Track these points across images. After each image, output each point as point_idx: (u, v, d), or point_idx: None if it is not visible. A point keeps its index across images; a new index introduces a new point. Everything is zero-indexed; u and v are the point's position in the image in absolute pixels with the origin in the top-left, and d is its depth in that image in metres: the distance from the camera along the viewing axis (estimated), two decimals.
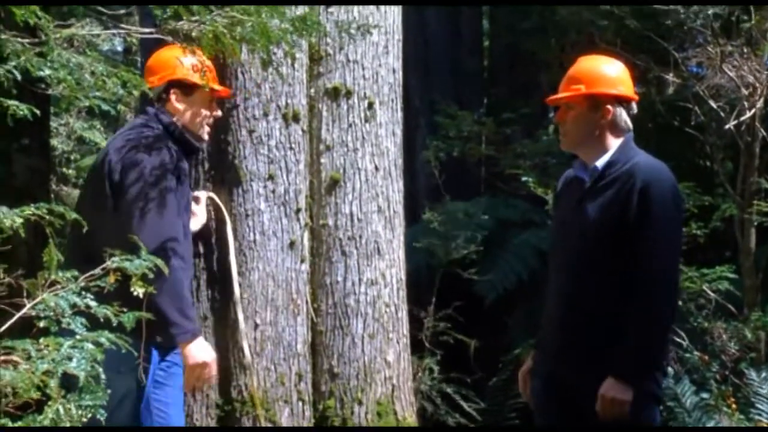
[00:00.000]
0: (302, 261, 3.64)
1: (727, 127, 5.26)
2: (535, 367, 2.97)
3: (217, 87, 3.22)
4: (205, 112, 3.18)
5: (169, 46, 2.98)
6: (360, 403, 3.65)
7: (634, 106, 2.90)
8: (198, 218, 3.39)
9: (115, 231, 2.75)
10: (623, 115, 2.87)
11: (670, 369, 4.36)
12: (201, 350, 2.92)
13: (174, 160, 2.97)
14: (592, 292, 2.75)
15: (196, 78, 3.07)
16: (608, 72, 2.88)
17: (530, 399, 3.02)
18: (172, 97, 3.12)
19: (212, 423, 3.47)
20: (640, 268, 2.65)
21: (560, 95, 2.90)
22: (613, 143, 2.84)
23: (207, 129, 3.24)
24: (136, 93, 2.64)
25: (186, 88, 3.12)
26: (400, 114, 3.98)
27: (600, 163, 2.83)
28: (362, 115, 3.79)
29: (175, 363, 2.96)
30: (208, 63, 3.02)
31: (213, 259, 3.52)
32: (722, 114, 5.39)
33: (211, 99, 3.22)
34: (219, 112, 3.28)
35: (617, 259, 2.72)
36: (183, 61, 3.06)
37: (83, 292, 2.06)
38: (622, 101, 2.86)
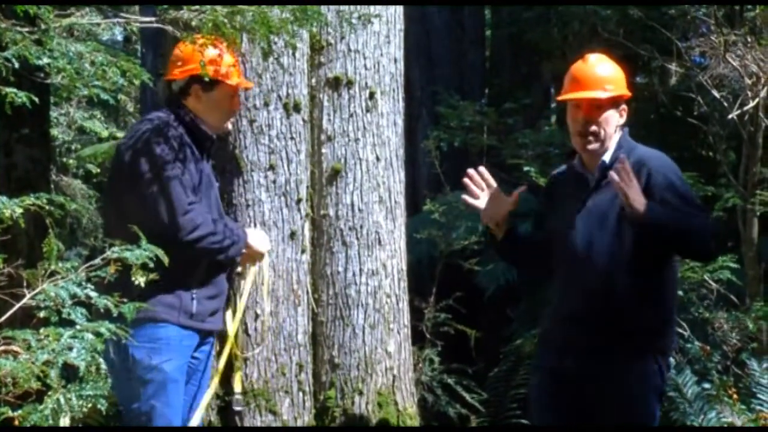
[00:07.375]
0: (303, 251, 3.64)
1: (730, 117, 5.25)
2: (537, 362, 2.95)
3: (240, 81, 3.15)
4: (226, 107, 3.12)
5: (195, 36, 2.91)
6: (361, 393, 3.65)
7: None
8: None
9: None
10: None
11: (672, 360, 4.36)
12: (257, 242, 3.20)
13: (176, 146, 2.94)
14: (623, 284, 2.73)
15: (218, 74, 3.01)
16: (622, 73, 2.93)
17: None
18: (193, 92, 3.05)
19: (213, 413, 3.47)
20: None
21: (595, 95, 2.82)
22: (615, 138, 2.89)
23: (229, 124, 3.23)
24: (136, 83, 2.63)
25: (208, 83, 3.03)
26: (401, 104, 3.96)
27: (606, 157, 2.86)
28: (363, 105, 3.77)
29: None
30: (234, 56, 3.00)
31: None
32: (725, 104, 5.37)
33: (234, 93, 3.14)
34: (240, 106, 3.24)
35: (644, 248, 2.71)
36: (207, 55, 2.95)
37: (83, 283, 2.06)
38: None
